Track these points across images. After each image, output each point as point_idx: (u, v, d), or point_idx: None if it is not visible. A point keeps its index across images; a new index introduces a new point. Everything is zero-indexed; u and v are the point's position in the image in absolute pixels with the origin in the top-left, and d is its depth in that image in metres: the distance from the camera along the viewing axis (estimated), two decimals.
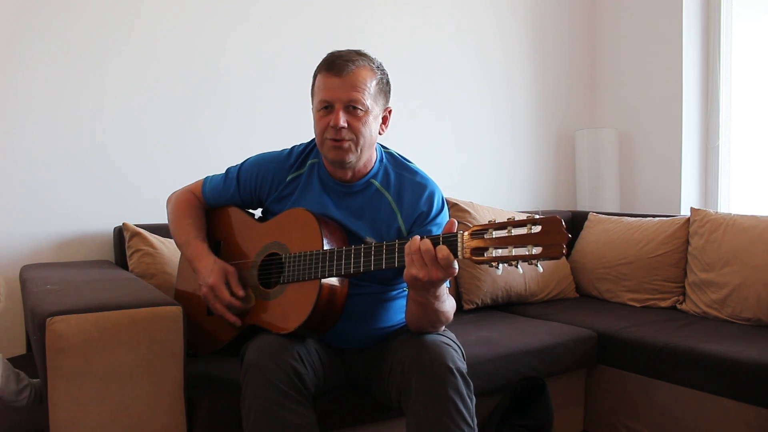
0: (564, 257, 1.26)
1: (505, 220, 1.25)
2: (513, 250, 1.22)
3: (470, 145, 3.13)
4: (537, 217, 1.22)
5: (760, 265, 2.27)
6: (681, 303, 2.53)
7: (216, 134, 2.46)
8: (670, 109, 3.15)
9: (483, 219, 2.61)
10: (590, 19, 3.50)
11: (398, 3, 2.89)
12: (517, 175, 3.30)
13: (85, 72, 2.22)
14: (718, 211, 2.78)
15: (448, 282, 1.45)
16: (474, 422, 1.41)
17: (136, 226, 2.12)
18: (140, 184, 2.31)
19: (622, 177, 3.37)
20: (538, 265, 1.21)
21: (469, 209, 2.61)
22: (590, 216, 2.95)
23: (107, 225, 2.24)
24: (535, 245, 1.20)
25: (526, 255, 1.21)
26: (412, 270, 1.32)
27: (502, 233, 1.24)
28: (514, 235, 1.22)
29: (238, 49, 2.50)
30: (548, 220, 1.20)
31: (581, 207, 3.37)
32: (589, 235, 2.85)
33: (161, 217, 2.24)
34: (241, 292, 1.55)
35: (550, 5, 3.37)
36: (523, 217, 1.25)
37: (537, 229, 1.20)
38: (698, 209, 2.58)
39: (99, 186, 2.25)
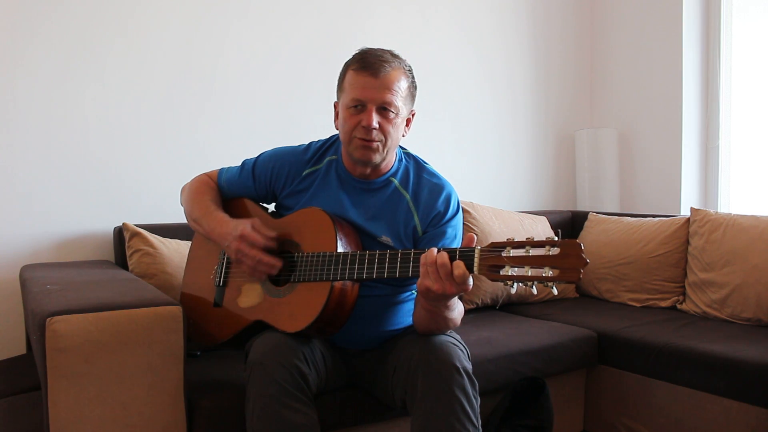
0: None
1: (524, 240, 1.24)
2: (529, 270, 1.21)
3: (470, 145, 3.13)
4: (557, 239, 1.21)
5: (760, 265, 2.27)
6: (681, 303, 2.53)
7: (215, 133, 2.46)
8: (670, 109, 3.15)
9: (483, 219, 2.61)
10: (590, 19, 3.50)
11: (398, 3, 2.89)
12: (517, 175, 3.30)
13: (85, 72, 2.21)
14: (718, 211, 2.78)
15: None
16: (479, 422, 1.41)
17: (136, 226, 2.12)
18: (140, 184, 2.31)
19: (622, 177, 3.37)
20: (554, 287, 1.20)
21: (469, 209, 2.61)
22: (590, 216, 2.95)
23: (107, 225, 2.24)
24: (553, 267, 1.19)
25: (542, 276, 1.19)
26: (426, 282, 1.32)
27: (520, 252, 1.23)
28: (532, 256, 1.21)
29: (237, 49, 2.50)
30: (568, 244, 1.19)
31: (581, 207, 3.37)
32: (589, 235, 2.85)
33: (161, 217, 2.25)
34: (272, 233, 1.54)
35: (551, 5, 3.37)
36: (543, 237, 1.23)
37: (556, 251, 1.19)
38: (698, 209, 2.58)
39: (99, 186, 2.25)
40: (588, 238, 2.83)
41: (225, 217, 1.62)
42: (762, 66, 3.03)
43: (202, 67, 2.43)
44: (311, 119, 2.60)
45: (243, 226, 1.53)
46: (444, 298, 1.36)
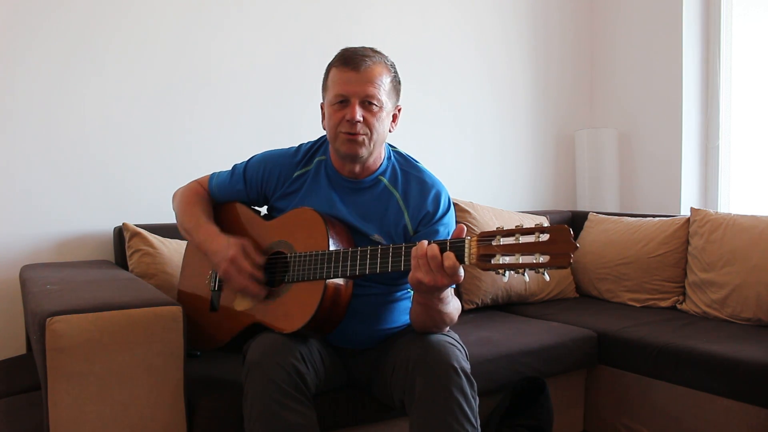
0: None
1: (513, 228, 1.24)
2: (520, 258, 1.21)
3: (470, 145, 3.13)
4: (545, 225, 1.21)
5: (760, 265, 2.27)
6: (681, 303, 2.53)
7: (216, 133, 2.46)
8: (670, 109, 3.15)
9: (483, 219, 2.61)
10: (590, 19, 3.50)
11: (399, 3, 2.89)
12: (518, 175, 3.30)
13: (85, 72, 2.22)
14: (718, 211, 2.78)
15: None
16: (477, 422, 1.41)
17: (136, 226, 2.12)
18: (140, 184, 2.31)
19: (622, 177, 3.37)
20: (545, 273, 1.21)
21: (469, 209, 2.61)
22: (590, 216, 2.95)
23: (107, 225, 2.24)
24: (543, 254, 1.19)
25: (533, 263, 1.20)
26: (417, 274, 1.32)
27: (510, 240, 1.23)
28: (522, 243, 1.22)
29: (238, 50, 2.50)
30: (557, 229, 1.19)
31: (581, 207, 3.37)
32: (589, 235, 2.85)
33: (161, 217, 2.25)
34: (260, 260, 1.54)
35: (551, 5, 3.37)
36: (532, 224, 1.24)
37: (545, 237, 1.20)
38: (698, 209, 2.58)
39: (99, 186, 2.25)
40: (588, 238, 2.83)
41: (215, 231, 1.62)
42: (762, 66, 3.03)
43: (203, 69, 2.43)
44: (311, 119, 2.59)
45: (234, 249, 1.53)
46: (436, 291, 1.36)
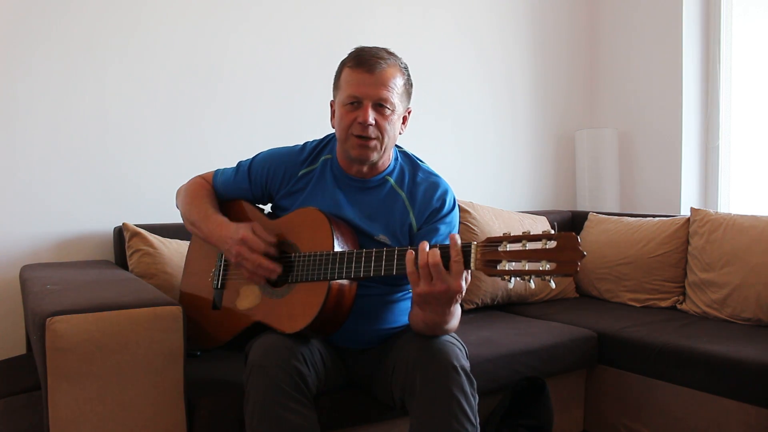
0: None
1: (520, 234, 1.23)
2: (527, 264, 1.20)
3: (470, 145, 3.13)
4: (553, 232, 1.20)
5: (760, 265, 2.27)
6: (681, 303, 2.53)
7: (217, 134, 2.46)
8: (670, 109, 3.15)
9: (483, 219, 2.61)
10: (590, 19, 3.50)
11: (399, 4, 2.89)
12: (517, 175, 3.30)
13: (86, 72, 2.22)
14: (718, 211, 2.78)
15: None
16: (477, 420, 1.41)
17: (136, 226, 2.12)
18: (140, 184, 2.31)
19: (622, 177, 3.37)
20: (551, 280, 1.19)
21: (469, 209, 2.61)
22: (590, 216, 2.95)
23: (107, 225, 2.24)
24: (550, 261, 1.18)
25: (539, 270, 1.19)
26: (419, 288, 1.31)
27: (517, 246, 1.22)
28: (529, 249, 1.20)
29: (239, 50, 2.50)
30: (564, 236, 1.18)
31: (581, 207, 3.37)
32: (589, 235, 2.85)
33: (161, 217, 2.25)
34: (271, 239, 1.53)
35: (550, 5, 3.37)
36: (539, 230, 1.23)
37: (552, 244, 1.18)
38: (698, 209, 2.58)
39: (99, 186, 2.25)
40: (588, 238, 2.83)
41: (224, 219, 1.61)
42: (762, 66, 3.03)
43: (203, 69, 2.43)
44: (312, 120, 2.60)
45: (244, 230, 1.53)
46: (436, 301, 1.34)
